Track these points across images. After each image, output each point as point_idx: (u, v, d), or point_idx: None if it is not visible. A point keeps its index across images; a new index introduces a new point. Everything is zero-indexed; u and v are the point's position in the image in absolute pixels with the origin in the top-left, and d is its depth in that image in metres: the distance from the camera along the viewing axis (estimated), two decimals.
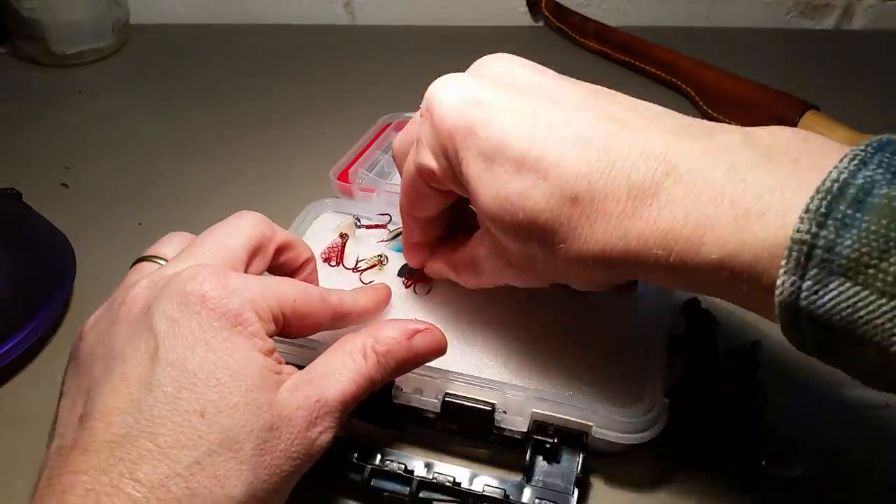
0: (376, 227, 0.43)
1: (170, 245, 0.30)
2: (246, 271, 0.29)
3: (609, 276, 0.25)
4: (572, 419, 0.30)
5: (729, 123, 0.62)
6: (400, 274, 0.39)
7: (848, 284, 0.18)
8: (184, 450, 0.22)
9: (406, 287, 0.39)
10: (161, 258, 0.29)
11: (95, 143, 0.61)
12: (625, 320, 0.36)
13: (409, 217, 0.33)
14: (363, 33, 0.82)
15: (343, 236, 0.42)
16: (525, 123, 0.25)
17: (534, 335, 0.36)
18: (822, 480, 0.32)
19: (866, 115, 0.59)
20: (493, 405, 0.30)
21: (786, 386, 0.36)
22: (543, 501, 0.29)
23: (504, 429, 0.31)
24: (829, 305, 0.19)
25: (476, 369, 0.33)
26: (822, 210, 0.19)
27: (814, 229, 0.19)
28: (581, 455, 0.30)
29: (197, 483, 0.21)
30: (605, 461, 0.32)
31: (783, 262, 0.19)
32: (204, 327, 0.24)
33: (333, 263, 0.41)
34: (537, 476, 0.30)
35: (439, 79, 0.28)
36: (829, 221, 0.19)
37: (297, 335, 0.29)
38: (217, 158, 0.58)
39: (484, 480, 0.29)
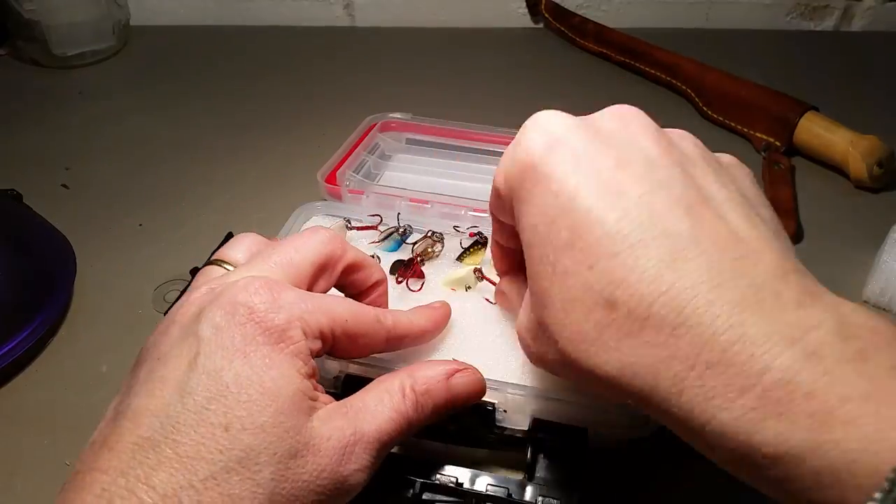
0: (367, 228, 0.43)
1: (239, 249, 0.30)
2: (310, 288, 0.28)
3: (618, 398, 0.22)
4: (572, 416, 0.30)
5: (729, 125, 0.62)
6: (392, 272, 0.40)
7: None
8: (202, 462, 0.21)
9: (398, 283, 0.39)
10: (229, 263, 0.29)
11: (96, 144, 0.61)
12: None
13: (493, 217, 0.31)
14: (363, 35, 0.82)
15: None
16: (607, 199, 0.22)
17: None
18: None
19: (866, 115, 0.59)
20: (493, 404, 0.30)
21: None
22: (547, 499, 0.29)
23: (505, 428, 0.31)
24: None
25: None
26: None
27: None
28: (582, 451, 0.30)
29: (209, 499, 0.21)
30: (606, 456, 0.32)
31: (878, 496, 0.16)
32: (247, 339, 0.23)
33: None
34: (539, 474, 0.30)
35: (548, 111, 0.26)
36: None
37: (348, 356, 0.28)
38: (217, 160, 0.58)
39: (486, 480, 0.29)
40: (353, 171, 0.49)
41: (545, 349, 0.24)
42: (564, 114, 0.25)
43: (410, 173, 0.52)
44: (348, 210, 0.45)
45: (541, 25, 0.82)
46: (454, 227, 0.43)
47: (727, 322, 0.19)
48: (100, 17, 0.73)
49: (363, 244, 0.42)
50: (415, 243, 0.41)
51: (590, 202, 0.22)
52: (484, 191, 0.50)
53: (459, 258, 0.41)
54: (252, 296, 0.24)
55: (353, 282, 0.31)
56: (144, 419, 0.22)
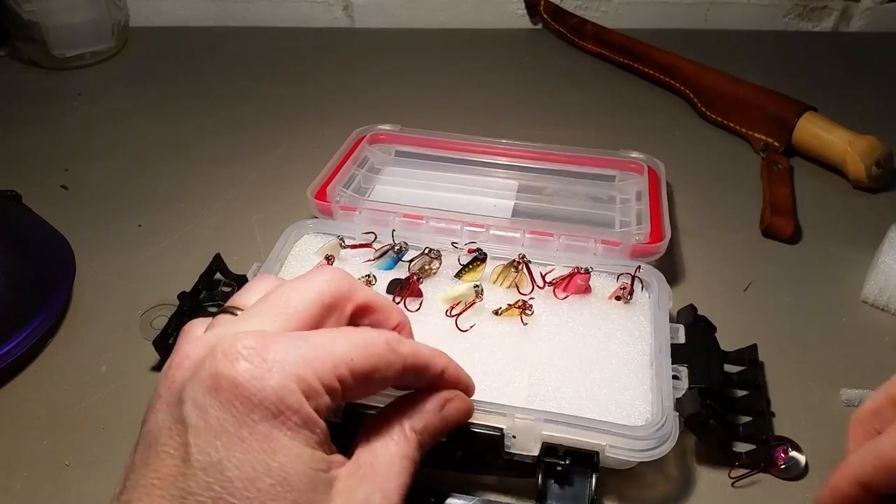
0: (361, 246, 0.41)
1: (253, 294, 0.26)
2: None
3: None
4: (584, 440, 0.29)
5: (728, 125, 0.62)
6: (389, 291, 0.39)
7: None
8: None
9: (396, 303, 0.37)
10: (239, 309, 0.25)
11: (95, 145, 0.61)
12: (625, 335, 0.36)
13: None
14: (362, 36, 0.82)
15: (329, 258, 0.40)
16: None
17: (536, 357, 0.35)
18: (822, 480, 0.32)
19: (864, 116, 0.59)
20: (501, 430, 0.29)
21: (786, 386, 0.36)
22: None
23: (514, 454, 0.30)
24: None
25: (480, 393, 0.31)
26: None
27: None
28: (594, 475, 0.29)
29: None
30: (617, 478, 0.32)
31: None
32: (239, 421, 0.20)
33: None
34: (550, 500, 0.29)
35: None
36: None
37: (362, 397, 0.25)
38: (216, 161, 0.58)
39: None
40: (343, 187, 0.47)
41: None
42: None
43: (401, 186, 0.50)
44: (340, 227, 0.42)
45: (539, 26, 0.82)
46: (452, 243, 0.41)
47: None
48: (99, 18, 0.73)
49: (358, 263, 0.41)
50: (411, 261, 0.40)
51: None
52: (478, 203, 0.48)
53: (458, 275, 0.40)
54: (233, 364, 0.20)
55: (369, 326, 0.28)
56: None
